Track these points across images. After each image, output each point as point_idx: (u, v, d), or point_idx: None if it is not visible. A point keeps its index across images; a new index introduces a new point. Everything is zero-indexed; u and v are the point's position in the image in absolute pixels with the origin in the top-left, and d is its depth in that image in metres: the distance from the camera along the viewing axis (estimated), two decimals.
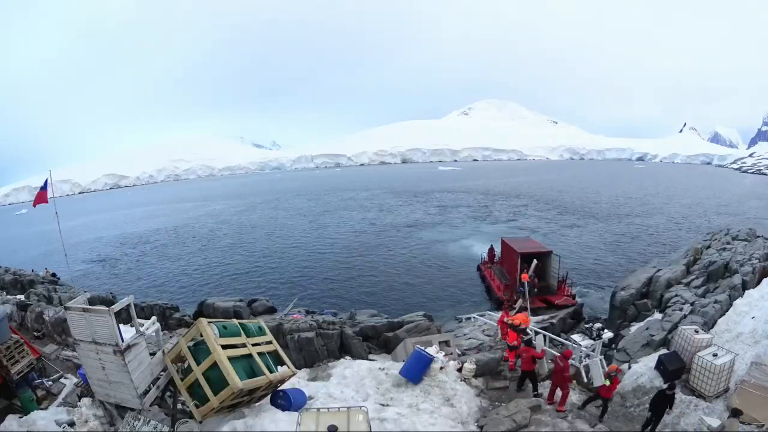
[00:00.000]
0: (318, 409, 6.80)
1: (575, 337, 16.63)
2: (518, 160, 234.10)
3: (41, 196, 12.06)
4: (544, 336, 14.45)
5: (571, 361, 12.68)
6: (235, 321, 8.60)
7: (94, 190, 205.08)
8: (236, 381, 7.07)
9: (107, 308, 7.24)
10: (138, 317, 8.06)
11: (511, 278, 23.15)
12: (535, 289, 20.76)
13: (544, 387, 11.60)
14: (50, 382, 10.64)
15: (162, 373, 8.18)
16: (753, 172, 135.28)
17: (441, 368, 11.20)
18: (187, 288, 32.39)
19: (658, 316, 15.32)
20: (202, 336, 7.73)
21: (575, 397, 11.06)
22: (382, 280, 30.63)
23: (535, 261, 21.01)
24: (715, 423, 9.17)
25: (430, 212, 60.63)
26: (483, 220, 53.36)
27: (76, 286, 28.46)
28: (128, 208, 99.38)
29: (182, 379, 7.85)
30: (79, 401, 8.56)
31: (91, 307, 7.52)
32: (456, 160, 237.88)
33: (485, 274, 28.12)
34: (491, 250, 29.57)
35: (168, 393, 8.43)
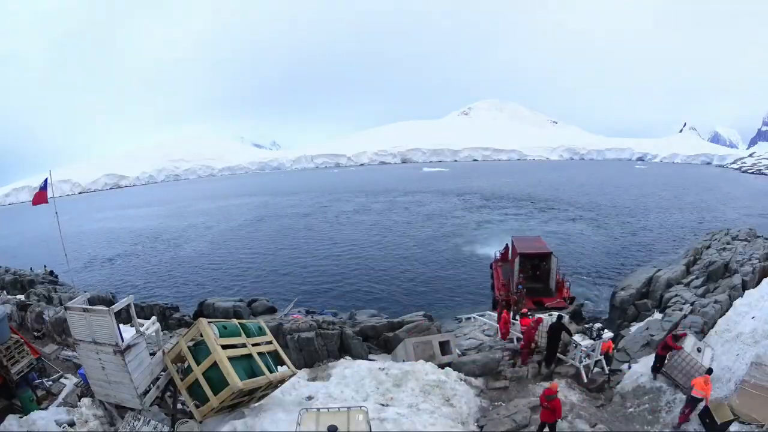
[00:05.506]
0: (318, 409, 6.80)
1: (575, 337, 16.58)
2: (518, 160, 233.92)
3: (41, 195, 11.99)
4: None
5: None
6: (235, 321, 8.60)
7: (94, 190, 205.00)
8: (236, 381, 7.08)
9: (107, 308, 7.24)
10: (138, 317, 8.07)
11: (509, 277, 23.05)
12: (522, 289, 20.32)
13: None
14: (50, 382, 10.61)
15: (162, 373, 8.18)
16: (753, 172, 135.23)
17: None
18: (187, 288, 32.38)
19: (658, 316, 15.31)
20: (202, 336, 7.74)
21: (575, 397, 11.07)
22: (382, 280, 30.60)
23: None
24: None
25: (426, 213, 60.65)
26: (480, 220, 53.37)
27: (76, 286, 28.44)
28: (128, 208, 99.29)
29: (182, 379, 7.86)
30: (79, 401, 8.55)
31: (91, 307, 7.52)
32: (456, 160, 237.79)
33: (494, 273, 26.94)
34: (506, 248, 28.03)
35: (168, 393, 8.43)
